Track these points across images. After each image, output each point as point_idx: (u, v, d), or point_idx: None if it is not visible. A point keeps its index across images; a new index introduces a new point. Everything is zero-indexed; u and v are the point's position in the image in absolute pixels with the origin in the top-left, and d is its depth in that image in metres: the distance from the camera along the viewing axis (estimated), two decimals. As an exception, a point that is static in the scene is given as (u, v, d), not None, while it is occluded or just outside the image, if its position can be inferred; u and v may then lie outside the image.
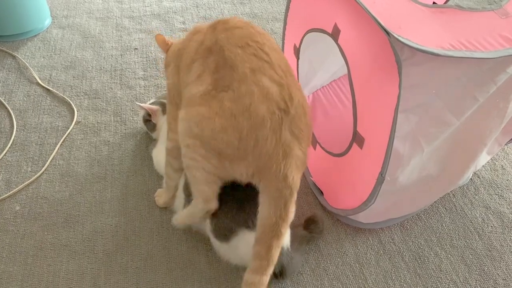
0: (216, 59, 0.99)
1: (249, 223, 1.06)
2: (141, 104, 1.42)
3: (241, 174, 0.99)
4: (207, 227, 1.13)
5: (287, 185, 0.97)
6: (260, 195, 1.00)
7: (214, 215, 1.08)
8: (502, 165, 1.48)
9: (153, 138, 1.48)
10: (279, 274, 1.09)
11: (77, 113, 1.60)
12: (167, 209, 1.30)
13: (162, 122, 1.41)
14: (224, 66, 0.97)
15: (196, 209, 1.09)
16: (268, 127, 0.93)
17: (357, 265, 1.20)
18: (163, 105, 1.42)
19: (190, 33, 1.14)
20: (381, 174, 1.06)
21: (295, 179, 0.98)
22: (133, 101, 1.66)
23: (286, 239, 1.09)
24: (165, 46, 1.26)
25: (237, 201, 1.07)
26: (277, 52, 1.02)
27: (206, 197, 1.06)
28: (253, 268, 1.00)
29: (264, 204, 1.00)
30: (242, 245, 1.07)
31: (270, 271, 1.00)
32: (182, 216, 1.16)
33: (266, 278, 1.00)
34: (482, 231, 1.30)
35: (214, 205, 1.06)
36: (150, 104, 1.46)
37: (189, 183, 1.09)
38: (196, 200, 1.08)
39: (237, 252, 1.10)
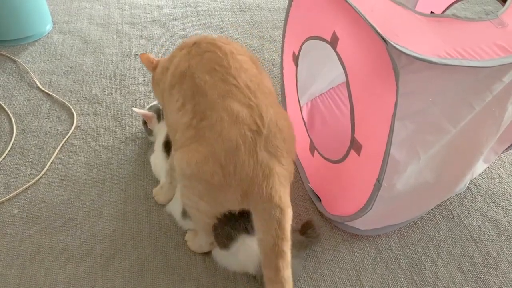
0: (190, 85, 1.00)
1: (248, 228, 1.06)
2: (137, 110, 1.43)
3: (233, 202, 0.99)
4: None
5: (274, 205, 0.95)
6: (253, 219, 1.00)
7: (216, 223, 1.09)
8: (498, 174, 1.49)
9: (150, 141, 1.49)
10: None
11: (77, 118, 1.61)
12: (165, 214, 1.30)
13: (157, 129, 1.42)
14: (197, 93, 0.98)
15: (202, 242, 1.18)
16: (242, 150, 0.93)
17: (354, 272, 1.21)
18: (159, 112, 1.42)
19: (175, 50, 1.14)
20: (378, 181, 1.07)
21: (282, 197, 0.97)
22: (133, 106, 1.67)
23: None
24: (150, 65, 1.25)
25: None
26: (247, 71, 1.01)
27: (207, 232, 1.11)
28: None
29: (258, 228, 0.99)
30: (242, 250, 1.08)
31: None
32: (192, 245, 1.22)
33: None
34: (479, 239, 1.30)
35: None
36: (149, 107, 1.47)
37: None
38: (200, 233, 1.16)
39: (237, 258, 1.10)
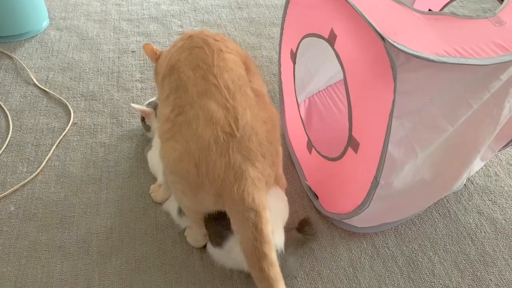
0: (176, 79, 1.02)
1: None
2: (135, 106, 1.42)
3: (209, 202, 0.98)
4: None
5: (248, 207, 0.94)
6: (231, 221, 1.00)
7: (208, 221, 1.10)
8: (495, 172, 1.50)
9: (148, 137, 1.49)
10: None
11: (74, 115, 1.60)
12: (162, 212, 1.30)
13: (156, 125, 1.41)
14: (180, 87, 1.00)
15: (195, 234, 1.18)
16: (214, 150, 0.93)
17: (351, 269, 1.21)
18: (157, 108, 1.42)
19: (176, 40, 1.15)
20: (376, 179, 1.07)
21: (256, 199, 0.95)
22: (130, 103, 1.66)
23: (280, 241, 1.10)
24: (154, 55, 1.26)
25: None
26: (231, 71, 1.01)
27: (198, 225, 1.12)
28: None
29: (236, 231, 0.99)
30: (236, 249, 1.07)
31: (280, 286, 0.95)
32: (190, 240, 1.22)
33: None
34: (475, 237, 1.31)
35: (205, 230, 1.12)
36: (147, 104, 1.47)
37: None
38: (192, 225, 1.15)
39: (231, 256, 1.10)
